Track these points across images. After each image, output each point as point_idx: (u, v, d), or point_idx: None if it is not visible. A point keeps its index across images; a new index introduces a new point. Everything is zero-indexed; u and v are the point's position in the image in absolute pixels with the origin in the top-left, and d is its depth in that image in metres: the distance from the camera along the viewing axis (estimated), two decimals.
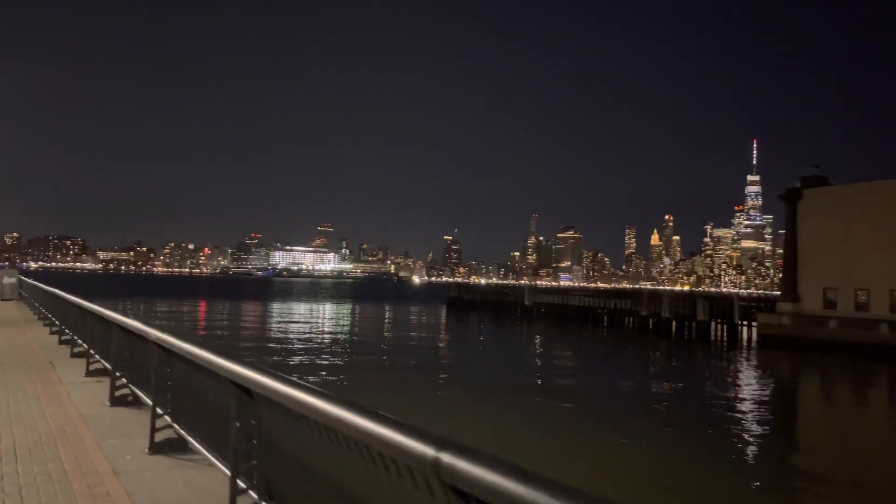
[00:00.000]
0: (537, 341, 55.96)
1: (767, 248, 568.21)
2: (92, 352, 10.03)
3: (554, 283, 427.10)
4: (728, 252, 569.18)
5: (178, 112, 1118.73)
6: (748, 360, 48.25)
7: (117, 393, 8.13)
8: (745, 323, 57.44)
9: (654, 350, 51.15)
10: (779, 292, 61.19)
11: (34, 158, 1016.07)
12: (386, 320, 74.88)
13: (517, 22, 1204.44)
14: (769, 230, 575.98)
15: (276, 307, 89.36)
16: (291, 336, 48.48)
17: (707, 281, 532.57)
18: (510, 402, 25.28)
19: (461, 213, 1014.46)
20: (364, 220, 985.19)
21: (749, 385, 36.56)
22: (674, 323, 60.86)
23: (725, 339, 57.25)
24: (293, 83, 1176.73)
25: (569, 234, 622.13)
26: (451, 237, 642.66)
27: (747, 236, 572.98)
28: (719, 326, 58.80)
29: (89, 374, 10.17)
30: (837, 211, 51.89)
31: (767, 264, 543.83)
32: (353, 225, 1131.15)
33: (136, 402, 7.27)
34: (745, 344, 54.93)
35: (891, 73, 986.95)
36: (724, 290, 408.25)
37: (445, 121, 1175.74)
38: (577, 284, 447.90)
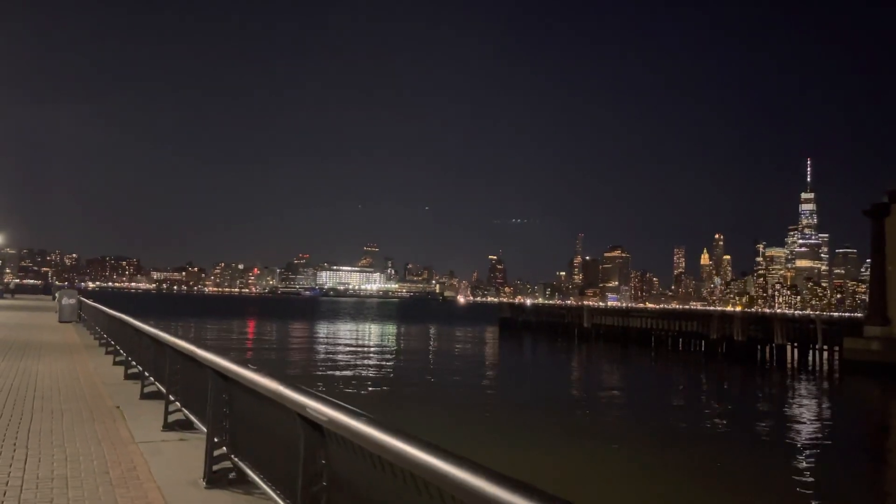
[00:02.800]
0: (602, 366, 53.11)
1: (823, 267, 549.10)
2: (172, 397, 8.24)
3: (601, 304, 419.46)
4: (782, 272, 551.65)
5: (227, 135, 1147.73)
6: (835, 388, 44.65)
7: (216, 467, 5.73)
8: (827, 348, 53.52)
9: (728, 377, 47.85)
10: (861, 314, 56.91)
11: (94, 181, 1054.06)
12: (433, 343, 72.82)
13: (564, 38, 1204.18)
14: (825, 249, 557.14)
15: (323, 327, 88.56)
16: (340, 357, 46.90)
17: (760, 301, 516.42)
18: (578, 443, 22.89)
19: (506, 232, 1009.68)
20: (409, 239, 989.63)
21: (838, 417, 33.40)
22: (748, 347, 57.24)
23: (807, 364, 53.46)
24: (343, 107, 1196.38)
25: (616, 253, 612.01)
26: (496, 257, 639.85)
27: (802, 255, 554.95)
28: (797, 351, 54.99)
29: (168, 426, 8.24)
30: None
31: (824, 284, 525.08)
32: (399, 245, 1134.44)
33: (246, 480, 5.39)
34: (829, 370, 51.13)
35: None
36: (794, 312, 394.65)
37: (490, 140, 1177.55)
38: (626, 305, 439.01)
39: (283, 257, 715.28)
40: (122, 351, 15.15)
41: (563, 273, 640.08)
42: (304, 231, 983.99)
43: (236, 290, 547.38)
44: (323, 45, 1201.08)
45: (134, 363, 12.87)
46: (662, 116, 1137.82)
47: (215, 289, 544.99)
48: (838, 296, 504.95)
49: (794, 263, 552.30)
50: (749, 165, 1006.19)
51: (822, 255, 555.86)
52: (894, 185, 50.93)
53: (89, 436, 7.89)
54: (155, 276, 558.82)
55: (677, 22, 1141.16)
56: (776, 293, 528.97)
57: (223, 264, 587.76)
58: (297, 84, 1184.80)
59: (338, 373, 37.83)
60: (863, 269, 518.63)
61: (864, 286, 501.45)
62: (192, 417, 7.44)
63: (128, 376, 12.93)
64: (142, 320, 13.19)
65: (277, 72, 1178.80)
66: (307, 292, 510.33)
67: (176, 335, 8.48)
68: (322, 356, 46.93)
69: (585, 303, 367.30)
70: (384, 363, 45.28)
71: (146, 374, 10.88)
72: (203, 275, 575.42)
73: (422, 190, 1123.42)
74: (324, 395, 3.30)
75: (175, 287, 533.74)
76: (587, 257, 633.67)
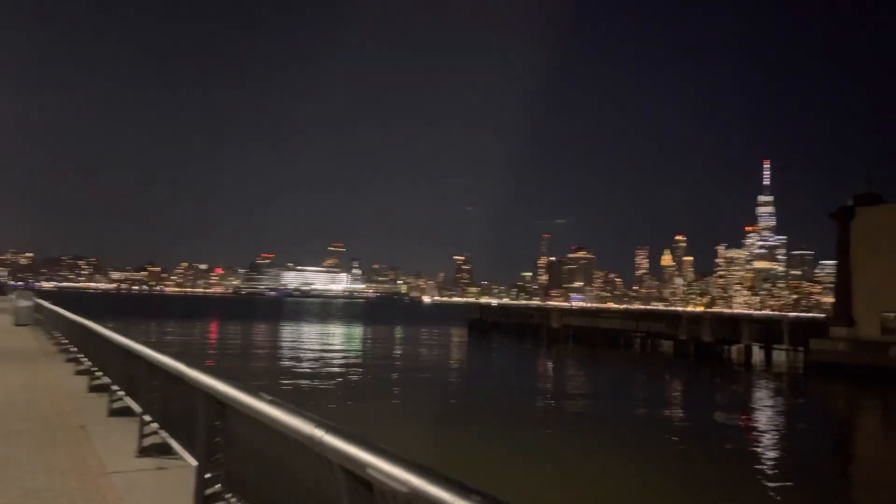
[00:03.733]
0: (569, 367, 52.97)
1: (781, 268, 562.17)
2: (148, 417, 7.29)
3: (566, 304, 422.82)
4: (741, 273, 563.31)
5: (190, 133, 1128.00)
6: (801, 389, 45.27)
7: (208, 491, 4.81)
8: (793, 348, 54.22)
9: (696, 377, 48.19)
10: (816, 314, 57.80)
11: (50, 178, 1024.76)
12: (400, 345, 71.91)
13: (524, 33, 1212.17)
14: (783, 251, 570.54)
15: (288, 329, 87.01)
16: (305, 362, 45.70)
17: (720, 301, 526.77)
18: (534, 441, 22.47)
19: (473, 233, 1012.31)
20: (375, 240, 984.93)
21: (805, 417, 34.10)
22: (716, 348, 57.76)
23: (773, 365, 54.12)
24: (306, 104, 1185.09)
25: (580, 254, 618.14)
26: (462, 257, 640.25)
27: (760, 257, 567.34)
28: (765, 351, 55.62)
29: (143, 452, 7.10)
30: (894, 230, 48.96)
31: (781, 285, 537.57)
32: (366, 245, 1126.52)
33: None
34: (795, 371, 51.81)
35: None
36: (754, 312, 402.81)
37: (456, 141, 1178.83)
38: (591, 305, 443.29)
39: (246, 257, 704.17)
40: (85, 359, 14.09)
41: (529, 273, 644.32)
42: (268, 231, 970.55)
43: (199, 290, 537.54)
44: (292, 38, 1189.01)
45: (100, 374, 11.88)
46: (626, 119, 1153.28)
47: (177, 289, 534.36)
48: (794, 296, 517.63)
49: (752, 264, 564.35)
50: (710, 168, 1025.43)
51: (780, 256, 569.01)
52: (860, 189, 51.87)
53: (52, 465, 6.78)
54: (114, 277, 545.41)
55: (638, 24, 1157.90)
56: (736, 293, 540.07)
57: (185, 264, 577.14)
58: (262, 78, 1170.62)
59: (305, 380, 36.84)
60: (817, 271, 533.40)
61: (819, 287, 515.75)
62: (174, 442, 6.55)
63: (92, 388, 11.88)
64: (101, 323, 12.27)
65: (242, 69, 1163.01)
66: (271, 293, 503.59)
67: (148, 344, 7.63)
68: (288, 360, 45.66)
69: (554, 303, 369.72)
70: (355, 367, 44.36)
71: (115, 387, 9.93)
72: (164, 275, 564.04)
73: (389, 190, 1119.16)
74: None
75: (135, 287, 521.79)
76: (552, 258, 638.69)
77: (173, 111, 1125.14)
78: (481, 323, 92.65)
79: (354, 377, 38.10)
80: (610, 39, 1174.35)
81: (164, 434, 6.89)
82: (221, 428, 4.85)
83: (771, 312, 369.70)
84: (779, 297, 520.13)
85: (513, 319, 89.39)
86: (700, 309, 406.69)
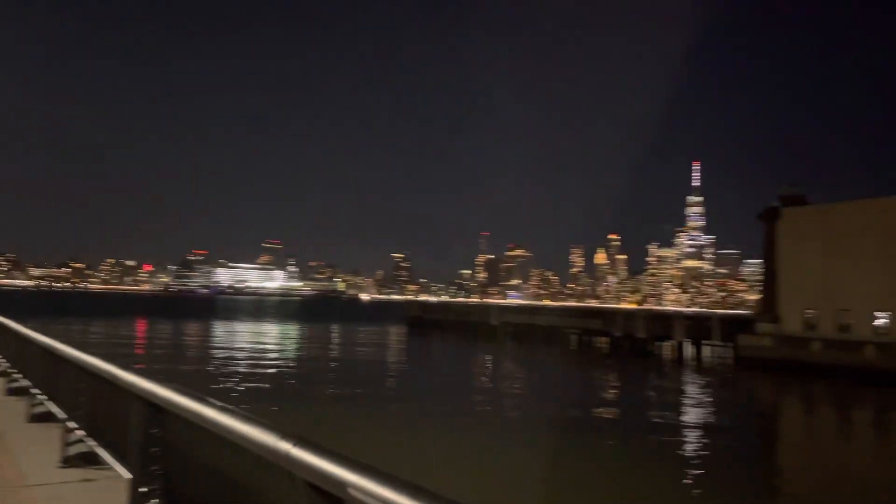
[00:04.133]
0: (504, 365, 53.31)
1: (708, 266, 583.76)
2: (72, 424, 6.61)
3: (503, 301, 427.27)
4: (671, 271, 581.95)
5: (118, 122, 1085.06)
6: (728, 382, 46.89)
7: None
8: (723, 344, 56.06)
9: (630, 373, 49.28)
10: (742, 312, 60.04)
11: None
12: (337, 344, 70.98)
13: (459, 30, 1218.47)
14: (711, 250, 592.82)
15: (220, 327, 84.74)
16: (239, 361, 44.48)
17: (651, 299, 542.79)
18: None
19: (411, 230, 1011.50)
20: (312, 237, 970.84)
21: (730, 409, 35.48)
22: (650, 343, 59.27)
23: (704, 360, 55.89)
24: (240, 96, 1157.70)
25: (518, 252, 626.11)
26: (401, 255, 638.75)
27: (689, 256, 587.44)
28: (696, 347, 57.35)
29: (67, 462, 6.25)
30: (816, 230, 51.28)
31: (709, 283, 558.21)
32: (301, 242, 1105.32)
33: None
34: (724, 365, 53.62)
35: (823, 94, 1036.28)
36: (685, 309, 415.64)
37: (393, 138, 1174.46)
38: (528, 303, 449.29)
39: (177, 253, 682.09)
40: (1, 359, 13.07)
41: (468, 271, 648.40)
42: (200, 226, 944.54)
43: (125, 287, 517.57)
44: (223, 32, 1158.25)
45: (18, 375, 10.99)
46: (561, 118, 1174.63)
47: (103, 286, 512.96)
48: (721, 294, 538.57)
49: (681, 263, 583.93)
50: (644, 168, 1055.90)
51: (708, 255, 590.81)
52: (786, 191, 54.08)
53: None
54: (34, 273, 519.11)
55: (576, 26, 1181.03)
56: (665, 291, 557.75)
57: (112, 260, 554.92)
58: (192, 71, 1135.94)
59: (239, 381, 35.77)
60: (742, 269, 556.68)
61: (744, 284, 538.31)
62: (104, 452, 5.93)
63: (9, 391, 10.99)
64: (22, 323, 11.41)
65: (168, 55, 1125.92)
66: (203, 290, 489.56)
67: (72, 344, 6.99)
68: (220, 361, 44.23)
69: (494, 301, 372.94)
70: (289, 367, 43.41)
71: (35, 391, 9.14)
72: (89, 271, 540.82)
73: (326, 186, 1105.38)
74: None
75: (57, 285, 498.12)
76: (490, 256, 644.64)
77: (103, 96, 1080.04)
78: (420, 321, 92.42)
79: (289, 377, 37.17)
80: (549, 39, 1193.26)
81: (91, 442, 6.27)
82: (160, 436, 4.34)
83: (699, 309, 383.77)
84: (706, 294, 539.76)
85: (452, 317, 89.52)
86: (632, 306, 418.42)
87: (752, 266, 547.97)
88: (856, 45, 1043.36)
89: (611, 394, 38.25)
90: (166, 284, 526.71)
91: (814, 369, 46.31)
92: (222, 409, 3.27)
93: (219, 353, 49.22)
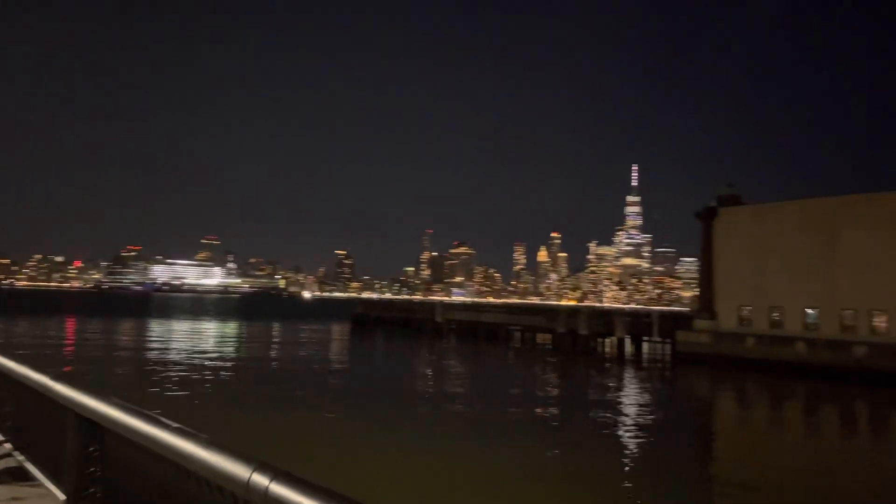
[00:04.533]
0: (450, 361, 53.16)
1: (646, 264, 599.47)
2: None
3: (447, 298, 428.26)
4: (610, 269, 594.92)
5: (47, 112, 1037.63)
6: (668, 377, 47.94)
7: None
8: (662, 340, 57.29)
9: (572, 369, 49.90)
10: (677, 308, 61.59)
11: None
12: (278, 342, 69.51)
13: (403, 39, 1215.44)
14: (648, 248, 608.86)
15: (156, 326, 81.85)
16: (173, 360, 42.95)
17: (591, 296, 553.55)
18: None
19: (354, 227, 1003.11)
20: (252, 233, 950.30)
21: (668, 403, 36.66)
22: (592, 340, 60.09)
23: (644, 355, 57.02)
24: (176, 86, 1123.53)
25: (461, 249, 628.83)
26: (343, 252, 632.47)
27: (628, 254, 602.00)
28: (636, 343, 58.49)
29: None
30: (751, 229, 52.88)
31: (646, 280, 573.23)
32: (241, 238, 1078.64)
33: None
34: (663, 361, 54.79)
35: (759, 97, 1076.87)
36: (625, 306, 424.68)
37: (337, 134, 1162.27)
38: (471, 300, 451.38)
39: (109, 249, 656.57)
40: None
41: (412, 268, 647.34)
42: (134, 221, 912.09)
43: (54, 284, 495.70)
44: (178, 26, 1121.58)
45: None
46: (506, 119, 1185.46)
47: (29, 283, 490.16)
48: (658, 291, 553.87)
49: (620, 261, 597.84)
50: (585, 168, 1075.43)
51: (645, 253, 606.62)
52: (723, 191, 55.56)
53: None
54: None
55: (524, 27, 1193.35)
56: (605, 288, 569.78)
57: (39, 256, 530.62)
58: (128, 59, 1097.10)
59: (175, 384, 34.47)
60: (678, 267, 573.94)
61: (679, 282, 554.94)
62: (34, 468, 5.38)
63: None
64: None
65: (99, 44, 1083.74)
66: (137, 287, 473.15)
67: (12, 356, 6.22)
68: (156, 362, 42.53)
69: (439, 298, 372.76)
70: (229, 368, 42.11)
71: None
72: (14, 267, 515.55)
73: (266, 182, 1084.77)
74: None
75: None
76: (434, 253, 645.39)
77: (33, 81, 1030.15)
78: (364, 318, 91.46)
79: (227, 379, 35.96)
80: (495, 39, 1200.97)
81: (20, 457, 5.59)
82: (99, 456, 3.81)
83: (636, 306, 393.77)
84: (644, 291, 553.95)
85: (397, 314, 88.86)
86: (573, 303, 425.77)
87: (688, 264, 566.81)
88: (793, 48, 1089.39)
89: (551, 391, 38.49)
90: (98, 281, 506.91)
91: (749, 364, 47.77)
92: (178, 432, 2.73)
93: (153, 355, 47.25)
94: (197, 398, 28.33)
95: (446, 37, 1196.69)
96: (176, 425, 2.79)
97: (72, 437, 3.95)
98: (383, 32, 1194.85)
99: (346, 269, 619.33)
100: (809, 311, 48.63)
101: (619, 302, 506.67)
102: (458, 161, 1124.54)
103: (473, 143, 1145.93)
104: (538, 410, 30.15)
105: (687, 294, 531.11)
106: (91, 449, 3.75)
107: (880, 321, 45.06)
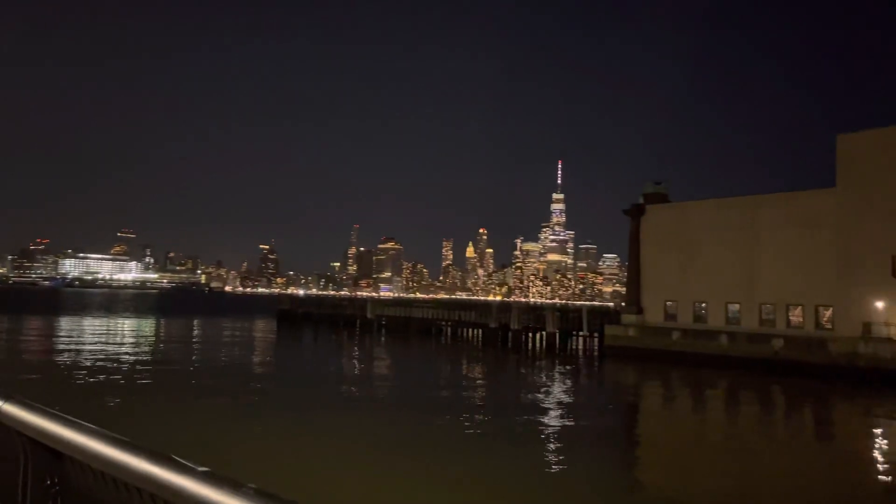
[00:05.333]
0: (379, 357, 52.41)
1: (569, 260, 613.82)
2: None
3: (375, 294, 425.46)
4: (535, 264, 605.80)
5: None
6: (596, 371, 48.74)
7: None
8: (591, 335, 58.25)
9: (503, 363, 50.11)
10: (599, 303, 62.92)
11: None
12: (199, 339, 66.74)
13: (335, 34, 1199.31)
14: (571, 245, 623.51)
15: (66, 323, 77.27)
16: (84, 359, 40.40)
17: (517, 292, 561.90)
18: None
19: (279, 221, 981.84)
20: (171, 226, 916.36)
21: (593, 395, 37.85)
22: (523, 335, 60.52)
23: (574, 350, 57.83)
24: (89, 73, 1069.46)
25: (389, 244, 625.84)
26: (267, 246, 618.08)
27: (552, 250, 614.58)
28: (568, 338, 59.24)
29: None
30: (677, 226, 54.41)
31: (569, 276, 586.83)
32: (159, 232, 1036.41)
33: None
34: (593, 355, 55.70)
35: (680, 98, 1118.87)
36: (546, 301, 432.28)
37: (261, 124, 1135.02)
38: (399, 295, 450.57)
39: (15, 242, 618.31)
40: None
41: (338, 263, 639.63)
42: (42, 213, 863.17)
43: None
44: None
45: None
46: (432, 114, 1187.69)
47: None
48: (581, 286, 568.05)
49: (545, 257, 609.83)
50: (511, 165, 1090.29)
51: (569, 249, 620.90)
52: (650, 189, 56.92)
53: None
54: None
55: (449, 23, 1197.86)
56: (530, 284, 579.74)
57: None
58: (38, 45, 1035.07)
59: (88, 387, 32.35)
60: (601, 263, 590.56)
61: (601, 277, 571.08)
62: None
63: None
64: None
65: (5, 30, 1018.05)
66: (46, 282, 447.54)
67: None
68: (65, 362, 39.79)
69: (368, 294, 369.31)
70: (146, 368, 39.95)
71: None
72: None
73: (186, 173, 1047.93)
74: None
75: None
76: (362, 248, 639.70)
77: None
78: (291, 314, 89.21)
79: (145, 379, 33.93)
80: (430, 43, 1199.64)
81: None
82: (59, 490, 2.95)
83: (559, 301, 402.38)
84: (567, 287, 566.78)
85: (325, 310, 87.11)
86: (499, 298, 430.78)
87: (609, 260, 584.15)
88: (718, 50, 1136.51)
89: (478, 389, 38.41)
90: (2, 276, 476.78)
91: (674, 357, 49.06)
92: (163, 461, 1.93)
93: (63, 355, 44.11)
94: (109, 401, 26.54)
95: (374, 30, 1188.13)
96: (163, 454, 1.99)
97: (24, 467, 3.03)
98: (306, 21, 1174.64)
99: (271, 264, 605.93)
100: (731, 305, 50.45)
101: (543, 297, 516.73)
102: (386, 156, 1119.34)
103: (401, 139, 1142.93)
104: (465, 415, 29.87)
105: (608, 289, 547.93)
106: (48, 483, 2.89)
107: (796, 315, 47.19)
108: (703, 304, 52.04)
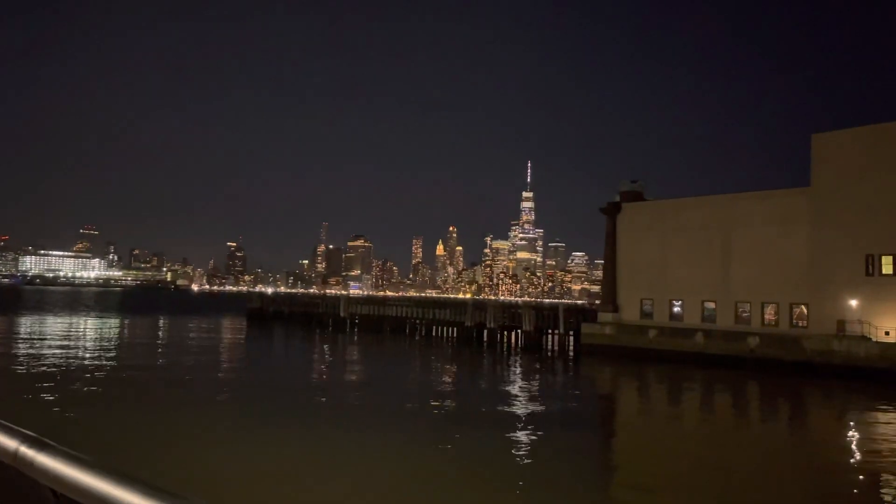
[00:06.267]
0: (352, 357, 51.51)
1: (538, 258, 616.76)
2: None
3: (345, 292, 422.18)
4: (505, 262, 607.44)
5: None
6: (572, 369, 48.49)
7: None
8: (567, 333, 57.95)
9: (478, 362, 49.61)
10: (568, 300, 62.84)
11: None
12: (166, 339, 64.93)
13: (298, 32, 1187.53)
14: (540, 243, 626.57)
15: (26, 322, 74.70)
16: (46, 361, 38.90)
17: (487, 289, 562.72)
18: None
19: (246, 218, 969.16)
20: (136, 223, 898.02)
21: (569, 392, 37.76)
22: (500, 333, 60.08)
23: (550, 348, 57.53)
24: (53, 69, 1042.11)
25: (359, 242, 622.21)
26: (235, 244, 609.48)
27: (522, 248, 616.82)
28: (544, 336, 58.90)
29: None
30: (653, 225, 54.44)
31: (539, 274, 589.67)
32: (123, 228, 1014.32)
33: None
34: (569, 353, 55.47)
35: (648, 98, 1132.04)
36: (515, 298, 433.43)
37: (228, 121, 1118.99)
38: (368, 293, 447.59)
39: None
40: None
41: (307, 261, 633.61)
42: (1, 209, 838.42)
43: None
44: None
45: None
46: (403, 113, 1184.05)
47: None
48: (550, 284, 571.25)
49: (515, 255, 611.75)
50: (481, 164, 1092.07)
51: (538, 248, 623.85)
52: (626, 187, 56.84)
53: None
54: None
55: (422, 25, 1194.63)
56: (500, 282, 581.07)
57: None
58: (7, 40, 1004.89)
59: (50, 390, 31.02)
60: (569, 261, 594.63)
61: (570, 275, 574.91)
62: None
63: None
64: None
65: None
66: (6, 280, 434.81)
67: None
68: (20, 363, 38.19)
69: (340, 292, 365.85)
70: (102, 372, 38.54)
71: None
72: None
73: (150, 169, 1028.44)
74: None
75: None
76: (331, 246, 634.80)
77: None
78: (261, 312, 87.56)
79: (108, 387, 32.44)
80: (398, 42, 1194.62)
81: None
82: None
83: (528, 299, 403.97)
84: (537, 284, 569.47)
85: (297, 308, 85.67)
86: (469, 296, 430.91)
87: (578, 258, 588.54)
88: (696, 45, 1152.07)
89: (454, 384, 37.97)
90: None
91: (651, 355, 49.11)
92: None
93: (20, 359, 42.14)
94: (65, 416, 25.31)
95: (347, 31, 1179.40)
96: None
97: None
98: (280, 18, 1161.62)
99: (238, 262, 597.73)
100: (707, 303, 50.64)
101: (513, 295, 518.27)
102: (355, 153, 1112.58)
103: (372, 135, 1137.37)
104: (434, 402, 29.31)
105: (577, 287, 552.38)
106: None
107: (771, 313, 47.54)
108: (679, 303, 52.17)
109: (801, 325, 46.00)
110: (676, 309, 52.27)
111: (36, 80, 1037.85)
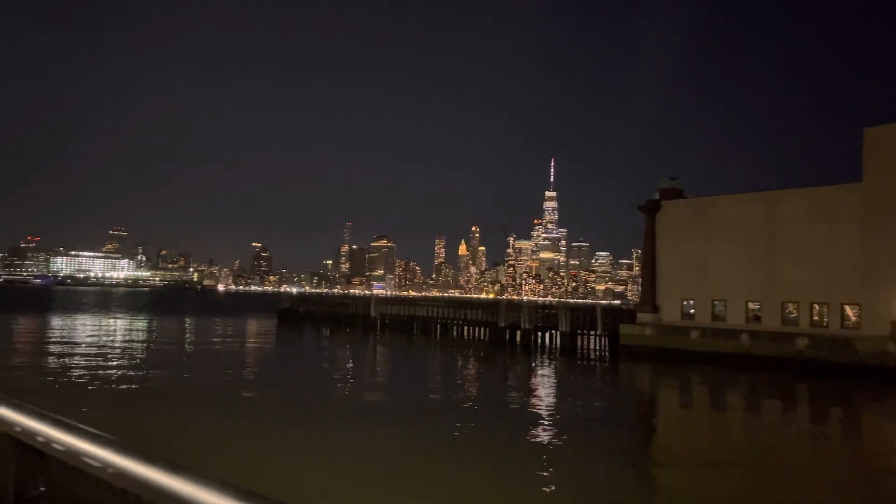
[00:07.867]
0: (386, 358, 50.89)
1: (562, 258, 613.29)
2: None
3: (367, 291, 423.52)
4: (528, 262, 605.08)
5: None
6: (612, 371, 47.39)
7: None
8: (605, 334, 56.68)
9: (514, 363, 48.83)
10: (592, 301, 61.62)
11: None
12: (194, 340, 64.96)
13: (332, 34, 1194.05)
14: (563, 243, 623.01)
15: (58, 321, 75.31)
16: (79, 360, 38.78)
17: (510, 289, 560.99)
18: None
19: (271, 219, 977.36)
20: (164, 224, 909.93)
21: (609, 395, 36.93)
22: (535, 334, 59.05)
23: (588, 350, 56.39)
24: (82, 71, 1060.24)
25: (382, 242, 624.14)
26: (260, 244, 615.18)
27: (545, 248, 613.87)
28: (582, 338, 57.71)
29: None
30: (694, 223, 53.06)
31: (562, 274, 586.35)
32: (151, 229, 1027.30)
33: None
34: (606, 355, 54.29)
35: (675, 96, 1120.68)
36: (527, 297, 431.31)
37: (255, 124, 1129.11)
38: (391, 293, 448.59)
39: (5, 240, 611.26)
40: None
41: (330, 261, 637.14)
42: (33, 210, 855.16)
43: None
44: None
45: None
46: (425, 113, 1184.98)
47: None
48: (573, 284, 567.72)
49: (538, 255, 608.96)
50: (503, 164, 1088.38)
51: (561, 247, 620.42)
52: (665, 184, 55.51)
53: None
54: None
55: (444, 25, 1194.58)
56: (523, 282, 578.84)
57: None
58: (29, 44, 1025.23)
59: (82, 388, 30.78)
60: (593, 261, 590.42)
61: (594, 275, 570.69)
62: None
63: None
64: None
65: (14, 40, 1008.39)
66: (38, 280, 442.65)
67: None
68: (58, 362, 38.04)
69: (358, 291, 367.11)
70: (133, 371, 38.35)
71: None
72: None
73: (178, 171, 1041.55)
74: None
75: None
76: (354, 246, 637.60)
77: None
78: (291, 312, 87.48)
79: (138, 384, 32.12)
80: (408, 36, 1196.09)
81: None
82: (42, 493, 2.57)
83: (564, 300, 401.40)
84: (560, 284, 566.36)
85: (326, 309, 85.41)
86: (492, 296, 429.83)
87: (602, 258, 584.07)
88: (723, 40, 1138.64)
89: (495, 386, 37.30)
90: None
91: (693, 357, 47.78)
92: (169, 467, 1.89)
93: (52, 357, 41.98)
94: (111, 404, 24.95)
95: (365, 32, 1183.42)
96: (149, 453, 2.05)
97: (6, 470, 2.60)
98: (309, 18, 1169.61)
99: (263, 262, 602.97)
100: (751, 303, 49.18)
101: (536, 295, 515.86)
102: (379, 154, 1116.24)
103: (394, 136, 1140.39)
104: (469, 402, 28.49)
105: (601, 287, 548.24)
106: (32, 492, 2.54)
107: (819, 314, 45.99)
108: (722, 303, 50.75)
109: (852, 326, 44.39)
110: (719, 309, 50.86)
111: (70, 86, 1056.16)
